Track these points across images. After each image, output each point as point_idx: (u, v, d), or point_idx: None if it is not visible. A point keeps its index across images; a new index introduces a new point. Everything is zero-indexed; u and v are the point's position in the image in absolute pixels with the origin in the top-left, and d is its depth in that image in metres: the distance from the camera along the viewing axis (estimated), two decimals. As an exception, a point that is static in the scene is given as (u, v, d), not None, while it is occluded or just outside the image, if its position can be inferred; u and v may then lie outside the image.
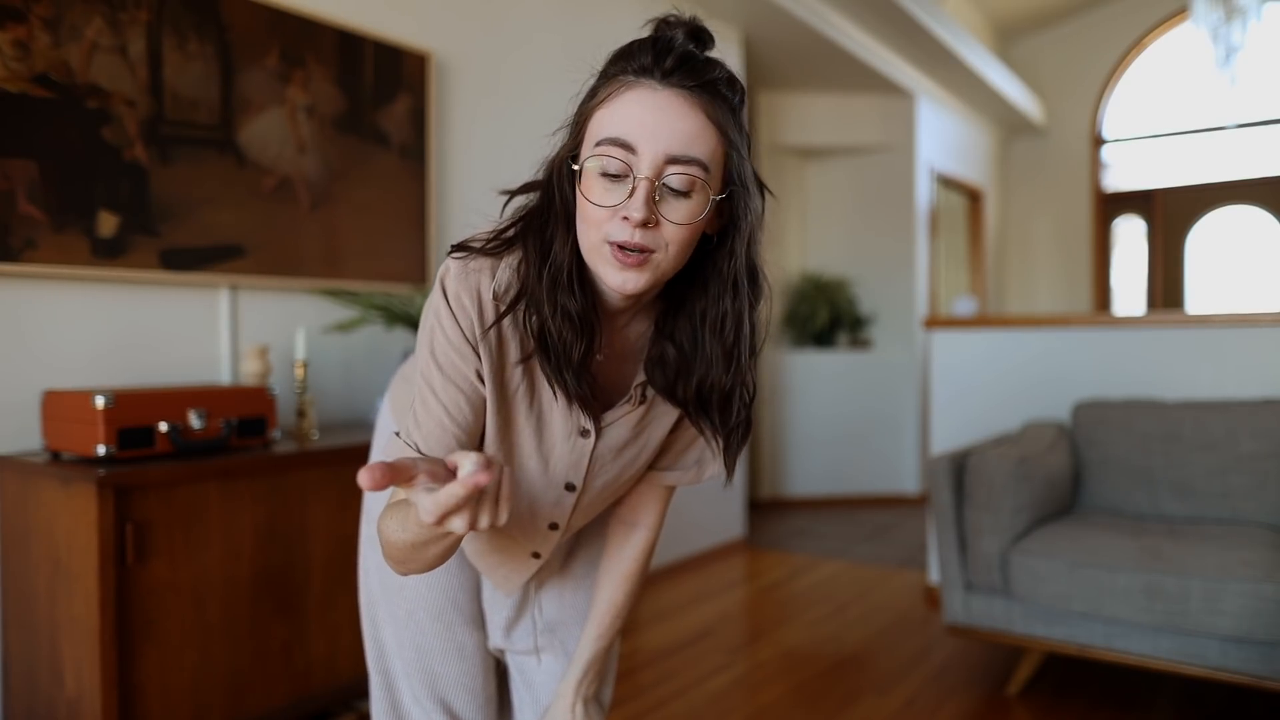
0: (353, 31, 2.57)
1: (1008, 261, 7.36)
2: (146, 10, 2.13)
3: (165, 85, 2.16)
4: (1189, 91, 6.71)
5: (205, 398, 1.95)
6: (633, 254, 0.82)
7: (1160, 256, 7.01)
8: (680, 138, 0.80)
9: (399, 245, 2.72)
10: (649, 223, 0.81)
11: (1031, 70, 7.10)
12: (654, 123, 0.80)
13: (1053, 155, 7.19)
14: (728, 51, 4.29)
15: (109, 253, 2.07)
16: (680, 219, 0.82)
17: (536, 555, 1.11)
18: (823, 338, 5.59)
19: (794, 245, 5.79)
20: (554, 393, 0.93)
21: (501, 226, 0.92)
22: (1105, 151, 7.09)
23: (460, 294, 0.89)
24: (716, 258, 0.89)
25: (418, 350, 0.95)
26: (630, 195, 0.80)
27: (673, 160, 0.80)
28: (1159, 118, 6.90)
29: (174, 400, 1.89)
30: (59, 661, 1.79)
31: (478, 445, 0.97)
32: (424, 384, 0.93)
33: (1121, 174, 7.12)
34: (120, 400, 1.80)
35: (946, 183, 6.27)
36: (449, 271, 0.91)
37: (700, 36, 0.84)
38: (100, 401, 1.77)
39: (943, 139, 6.05)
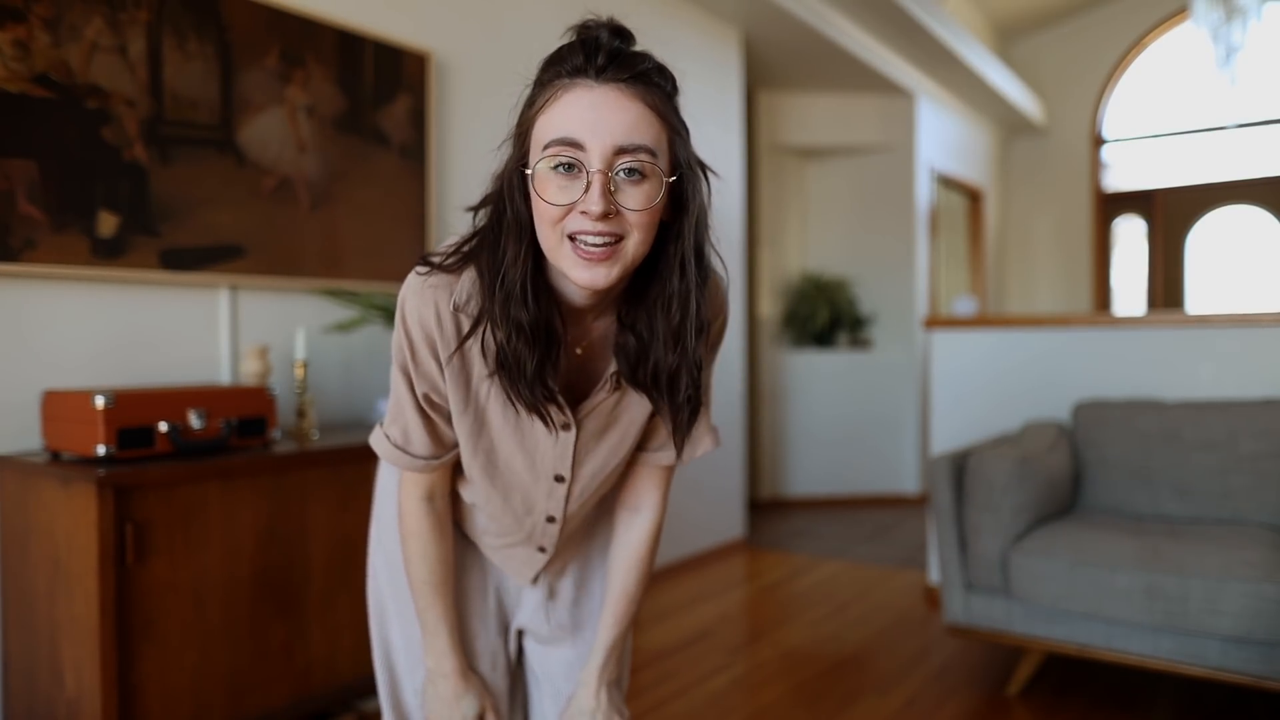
0: (353, 31, 2.57)
1: (1008, 261, 7.35)
2: (146, 10, 2.13)
3: (165, 85, 2.16)
4: (1189, 91, 6.71)
5: (205, 398, 1.95)
6: (598, 248, 0.84)
7: (1160, 256, 7.01)
8: (624, 128, 0.83)
9: (399, 245, 2.72)
10: (608, 214, 0.83)
11: (1031, 70, 7.10)
12: (596, 118, 0.83)
13: (1053, 155, 7.18)
14: (728, 52, 4.30)
15: (109, 253, 2.07)
16: (638, 205, 0.84)
17: (542, 549, 1.13)
18: (823, 338, 5.59)
19: (794, 245, 5.79)
20: (514, 408, 0.95)
21: (460, 240, 0.95)
22: (1105, 151, 7.09)
23: (419, 310, 0.93)
24: (665, 241, 0.92)
25: (392, 369, 1.01)
26: (586, 190, 0.83)
27: (621, 150, 0.83)
28: (1159, 118, 6.90)
29: (174, 400, 1.89)
30: (59, 661, 1.79)
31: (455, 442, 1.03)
32: (396, 395, 1.01)
33: (1121, 174, 7.12)
34: (120, 400, 1.80)
35: (946, 183, 6.27)
36: (409, 288, 0.95)
37: (622, 33, 0.87)
38: (100, 401, 1.77)
39: (943, 139, 6.05)
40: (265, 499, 1.98)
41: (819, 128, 5.56)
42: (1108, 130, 7.05)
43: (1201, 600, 2.14)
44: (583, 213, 0.83)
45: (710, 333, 1.02)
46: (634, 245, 0.86)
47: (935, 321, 3.48)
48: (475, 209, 0.95)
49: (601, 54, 0.84)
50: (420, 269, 0.94)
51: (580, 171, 0.83)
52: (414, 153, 2.76)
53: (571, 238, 0.84)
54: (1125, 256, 7.15)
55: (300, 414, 2.26)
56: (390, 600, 1.19)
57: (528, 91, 0.90)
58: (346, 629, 2.13)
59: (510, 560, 1.16)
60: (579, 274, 0.85)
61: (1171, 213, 6.97)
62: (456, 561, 1.16)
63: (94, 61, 2.04)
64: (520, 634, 1.23)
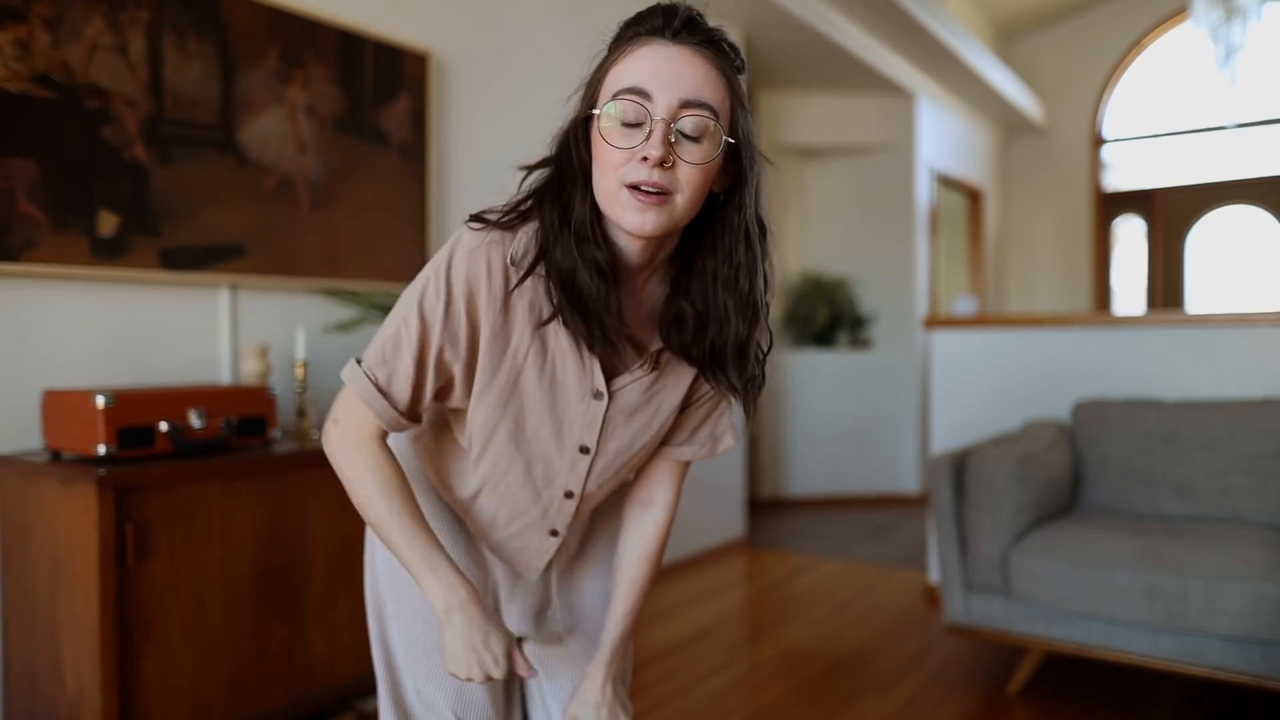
0: (353, 31, 2.57)
1: (1008, 261, 7.36)
2: (146, 10, 2.13)
3: (165, 85, 2.16)
4: (1189, 91, 6.71)
5: (205, 397, 1.95)
6: (651, 194, 0.86)
7: (1160, 256, 7.01)
8: (691, 84, 0.87)
9: (399, 245, 2.72)
10: (666, 162, 0.85)
11: (1031, 70, 7.10)
12: (666, 71, 0.86)
13: (1053, 155, 7.18)
14: (728, 51, 4.29)
15: (109, 252, 2.07)
16: (696, 159, 0.87)
17: (554, 533, 1.12)
18: (823, 337, 5.59)
19: (794, 245, 5.79)
20: (579, 348, 0.95)
21: (518, 199, 0.95)
22: (1105, 151, 7.09)
23: (469, 264, 0.92)
24: (726, 213, 0.94)
25: (405, 295, 0.97)
26: (648, 137, 0.85)
27: (686, 104, 0.86)
28: (1159, 118, 6.90)
29: (174, 400, 1.90)
30: (59, 661, 1.79)
31: (425, 402, 1.00)
32: (401, 329, 0.95)
33: (1121, 174, 7.12)
34: (120, 400, 1.80)
35: (946, 182, 6.27)
36: (461, 242, 0.94)
37: (700, 13, 0.91)
38: (100, 401, 1.77)
39: (943, 139, 6.05)
40: (265, 499, 1.98)
41: (819, 128, 5.56)
42: (1108, 130, 7.05)
43: (1201, 600, 2.14)
44: (643, 159, 0.85)
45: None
46: (681, 203, 0.88)
47: (935, 321, 3.48)
48: (531, 168, 0.96)
49: (679, 18, 0.88)
50: (474, 225, 0.94)
51: (645, 124, 0.86)
52: (414, 153, 2.76)
53: (630, 187, 0.86)
54: (1125, 256, 7.15)
55: (300, 414, 2.26)
56: (388, 596, 1.18)
57: (603, 51, 0.93)
58: (346, 629, 2.13)
59: (521, 551, 1.14)
60: (631, 218, 0.87)
61: (1171, 213, 6.98)
62: (454, 551, 1.15)
63: (94, 61, 2.04)
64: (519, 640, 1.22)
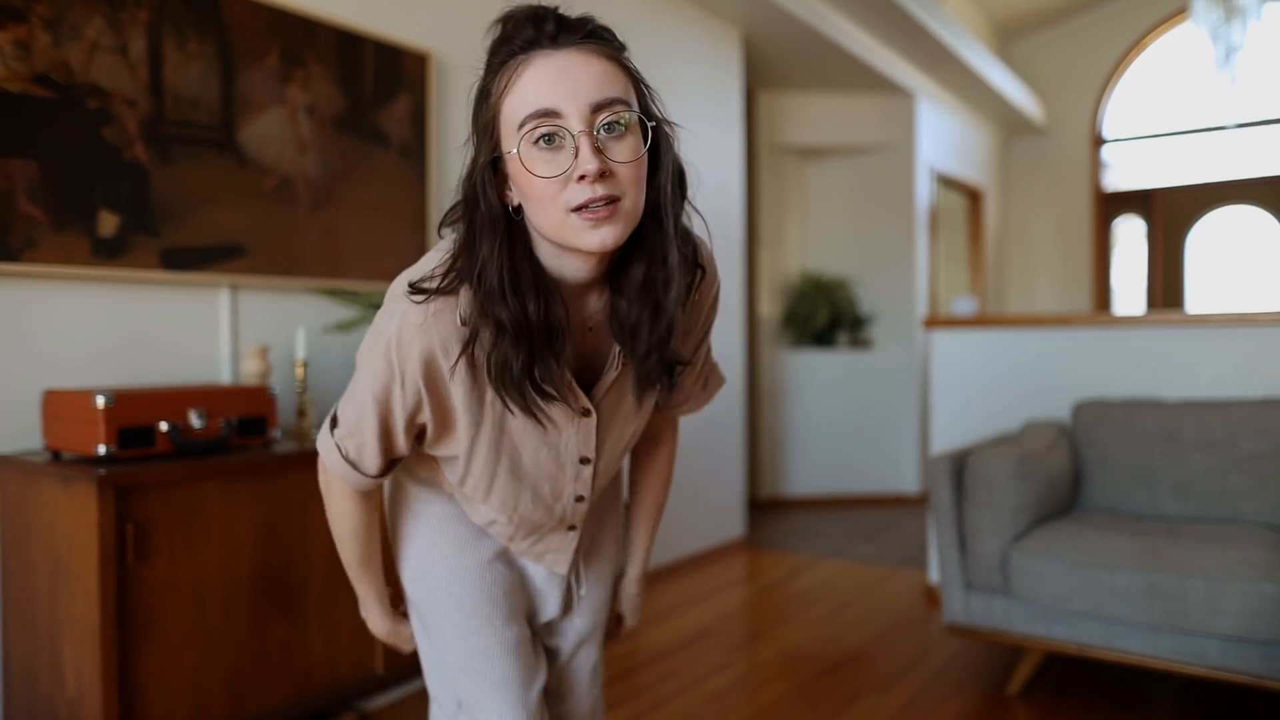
0: (353, 31, 2.57)
1: (1008, 261, 7.36)
2: (146, 10, 2.13)
3: (165, 85, 2.16)
4: (1189, 91, 6.71)
5: (205, 397, 1.95)
6: (600, 207, 0.82)
7: (1160, 256, 7.02)
8: (594, 84, 0.83)
9: (399, 245, 2.72)
10: (604, 173, 0.82)
11: (1031, 70, 7.10)
12: (564, 82, 0.82)
13: (1053, 155, 7.18)
14: (728, 52, 4.30)
15: (109, 252, 2.07)
16: (629, 157, 0.84)
17: (572, 528, 1.16)
18: (823, 337, 5.59)
19: (794, 245, 5.79)
20: (508, 410, 0.94)
21: (450, 259, 0.91)
22: (1105, 151, 7.09)
23: (424, 344, 0.90)
24: (652, 189, 0.90)
25: (360, 366, 0.97)
26: (576, 155, 0.82)
27: (598, 107, 0.83)
28: (1159, 118, 6.90)
29: (174, 400, 1.90)
30: (59, 661, 1.79)
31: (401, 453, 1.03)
32: (360, 411, 0.97)
33: (1121, 174, 7.12)
34: (120, 400, 1.80)
35: (946, 182, 6.27)
36: (407, 320, 0.90)
37: (559, 6, 0.88)
38: (100, 401, 1.77)
39: (943, 139, 6.05)
40: (265, 499, 1.98)
41: (819, 128, 5.56)
42: (1107, 130, 7.05)
43: (1201, 600, 2.14)
44: (580, 179, 0.82)
45: (706, 297, 1.05)
46: (632, 201, 0.85)
47: (935, 321, 3.48)
48: (447, 223, 0.92)
49: (549, 22, 0.84)
50: (415, 297, 0.89)
51: (563, 140, 0.82)
52: (414, 153, 2.76)
53: (578, 208, 0.83)
54: (1125, 256, 7.16)
55: (300, 414, 2.26)
56: (427, 609, 1.17)
57: (478, 84, 0.89)
58: (346, 629, 2.13)
59: (545, 555, 1.17)
60: (589, 238, 0.84)
61: (1171, 213, 6.98)
62: (478, 557, 1.16)
63: (94, 61, 2.04)
64: (548, 624, 1.25)
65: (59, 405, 1.88)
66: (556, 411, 0.98)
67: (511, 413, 0.95)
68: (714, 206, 4.19)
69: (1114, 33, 6.87)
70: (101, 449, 1.77)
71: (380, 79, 2.65)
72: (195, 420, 1.92)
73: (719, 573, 3.91)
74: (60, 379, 2.04)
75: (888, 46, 5.08)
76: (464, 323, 0.89)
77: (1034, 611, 2.43)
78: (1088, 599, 2.29)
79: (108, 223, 2.07)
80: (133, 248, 2.11)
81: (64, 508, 1.77)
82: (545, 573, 1.20)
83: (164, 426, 1.86)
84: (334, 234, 2.55)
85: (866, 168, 5.73)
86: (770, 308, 5.50)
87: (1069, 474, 2.75)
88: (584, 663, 1.27)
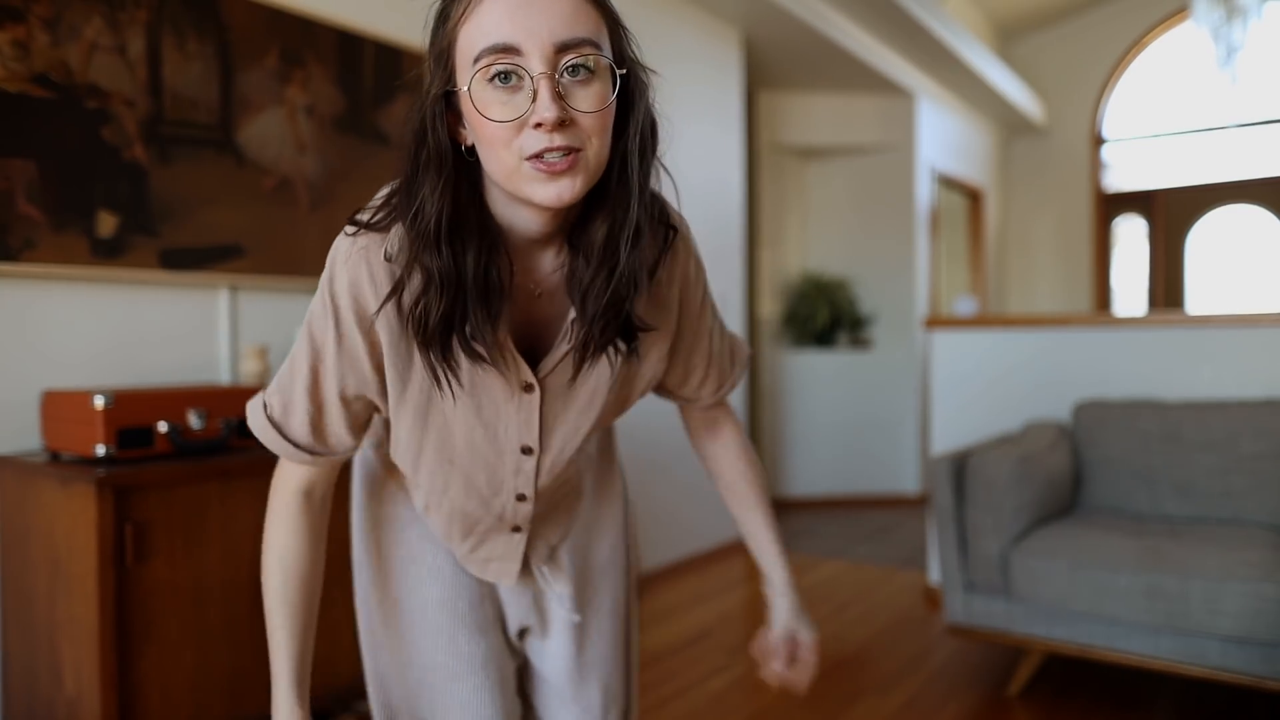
0: (353, 31, 2.57)
1: (1008, 261, 7.35)
2: (146, 10, 2.13)
3: (165, 85, 2.16)
4: (1189, 91, 6.71)
5: (205, 398, 1.95)
6: (558, 158, 0.73)
7: (1160, 256, 7.01)
8: (561, 21, 0.72)
9: (399, 245, 2.72)
10: (564, 121, 0.72)
11: (1032, 70, 7.10)
12: (528, 15, 0.72)
13: (1053, 155, 7.18)
14: (728, 52, 4.29)
15: (108, 253, 2.07)
16: (593, 106, 0.74)
17: (517, 529, 1.04)
18: (823, 338, 5.59)
19: (794, 245, 5.79)
20: (434, 383, 0.84)
21: (387, 193, 0.85)
22: (1105, 151, 7.09)
23: (353, 276, 0.83)
24: (620, 141, 0.80)
25: (302, 329, 0.89)
26: (534, 99, 0.72)
27: (563, 48, 0.72)
28: (1159, 118, 6.90)
29: (173, 400, 1.89)
30: (59, 661, 1.79)
31: (360, 429, 0.92)
32: (293, 365, 0.88)
33: (1121, 174, 7.12)
34: (120, 400, 1.79)
35: (946, 182, 6.27)
36: (339, 251, 0.85)
37: None
38: (100, 401, 1.77)
39: (943, 139, 6.05)
40: (265, 500, 1.96)
41: (819, 128, 5.56)
42: (1108, 130, 7.05)
43: (1201, 600, 2.13)
44: (536, 125, 0.72)
45: (685, 265, 0.95)
46: (594, 153, 0.75)
47: (935, 321, 3.47)
48: (405, 165, 0.83)
49: None
50: (349, 229, 0.84)
51: (521, 80, 0.73)
52: (414, 153, 2.76)
53: (533, 156, 0.73)
54: (1125, 256, 7.15)
55: (300, 414, 2.25)
56: (381, 626, 1.13)
57: (436, 5, 0.79)
58: (345, 629, 2.13)
59: (490, 563, 1.07)
60: (542, 192, 0.74)
61: (1172, 213, 6.97)
62: (446, 565, 1.08)
63: (93, 61, 2.04)
64: (522, 633, 1.15)
65: (58, 406, 1.88)
66: (492, 382, 0.87)
67: (436, 376, 0.83)
68: (714, 207, 4.18)
69: (1114, 33, 6.87)
70: (100, 449, 1.77)
71: (380, 79, 2.65)
72: (194, 421, 1.91)
73: (719, 573, 3.91)
74: (59, 379, 2.04)
75: (888, 46, 5.08)
76: (389, 259, 0.82)
77: (1034, 612, 2.43)
78: (1088, 599, 2.29)
79: (107, 223, 2.06)
80: (132, 248, 2.11)
81: (63, 508, 1.77)
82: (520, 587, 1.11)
83: (163, 427, 1.86)
84: (334, 234, 2.51)
85: (867, 168, 5.73)
86: (770, 308, 5.50)
87: (1069, 474, 2.75)
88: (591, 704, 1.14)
